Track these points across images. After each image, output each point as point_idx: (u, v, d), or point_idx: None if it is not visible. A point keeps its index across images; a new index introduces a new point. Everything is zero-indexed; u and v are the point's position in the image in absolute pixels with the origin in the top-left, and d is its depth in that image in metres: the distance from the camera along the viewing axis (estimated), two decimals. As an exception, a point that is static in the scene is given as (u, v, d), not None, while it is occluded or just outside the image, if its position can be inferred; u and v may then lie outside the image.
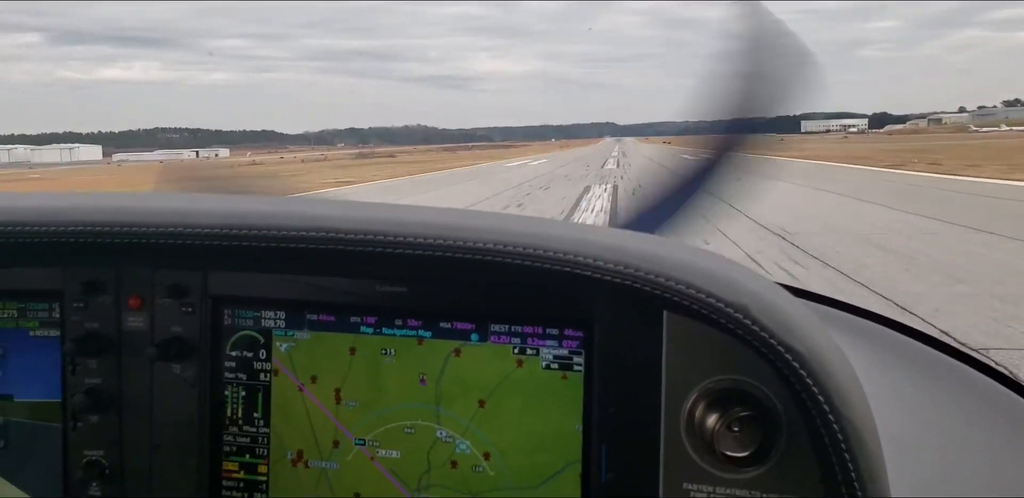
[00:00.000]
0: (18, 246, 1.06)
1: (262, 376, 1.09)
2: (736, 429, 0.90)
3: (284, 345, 1.08)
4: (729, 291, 0.88)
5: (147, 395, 1.11)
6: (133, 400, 1.11)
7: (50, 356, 1.14)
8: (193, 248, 1.03)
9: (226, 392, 1.10)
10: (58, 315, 1.14)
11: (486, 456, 0.99)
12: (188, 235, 1.01)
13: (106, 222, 1.03)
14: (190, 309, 1.10)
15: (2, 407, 1.15)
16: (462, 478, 1.00)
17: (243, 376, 1.09)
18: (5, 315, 1.15)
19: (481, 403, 1.01)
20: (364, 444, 1.04)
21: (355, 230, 0.97)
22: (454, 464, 1.01)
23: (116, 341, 1.12)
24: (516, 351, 1.01)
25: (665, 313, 0.93)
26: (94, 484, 1.12)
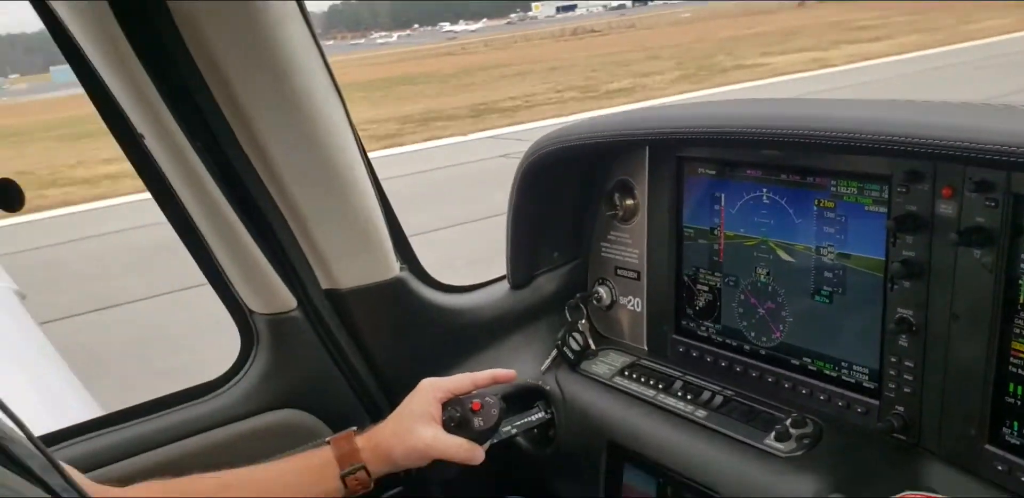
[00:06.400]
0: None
1: (1058, 272, 1.15)
2: None
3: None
4: None
5: (950, 272, 1.28)
6: (938, 274, 1.29)
7: (878, 228, 1.38)
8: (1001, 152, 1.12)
9: (1020, 280, 1.19)
10: (886, 196, 1.36)
11: None
12: (989, 151, 1.10)
13: (922, 136, 1.17)
14: (993, 203, 1.20)
15: (842, 265, 1.45)
16: None
17: (1038, 268, 1.17)
18: (847, 191, 1.42)
19: None
20: None
21: None
22: None
23: (928, 222, 1.29)
24: None
25: None
26: (903, 336, 1.35)
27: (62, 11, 1.33)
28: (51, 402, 2.49)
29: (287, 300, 1.68)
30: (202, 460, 1.47)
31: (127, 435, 1.59)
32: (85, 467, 1.34)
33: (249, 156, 1.51)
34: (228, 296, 1.70)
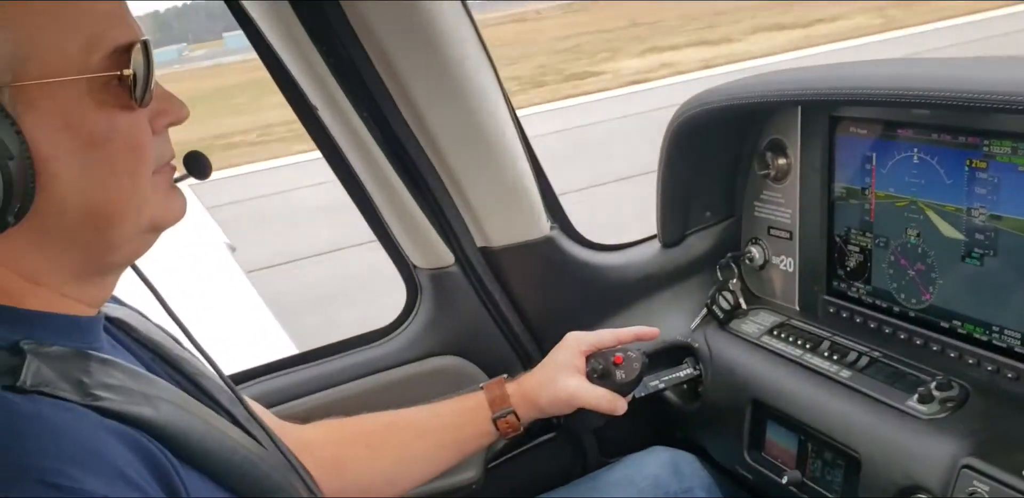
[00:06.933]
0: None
1: None
2: None
3: None
4: None
5: None
6: None
7: None
8: None
9: None
10: (1038, 155, 1.30)
11: None
12: None
13: None
14: None
15: (994, 227, 1.40)
16: None
17: None
18: (1000, 151, 1.37)
19: None
20: None
21: None
22: None
23: None
24: None
25: None
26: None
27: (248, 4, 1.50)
28: (253, 344, 2.79)
29: (446, 256, 1.81)
30: (370, 400, 1.64)
31: (306, 375, 1.79)
32: (268, 403, 1.53)
33: (409, 124, 1.63)
34: (394, 252, 1.86)
